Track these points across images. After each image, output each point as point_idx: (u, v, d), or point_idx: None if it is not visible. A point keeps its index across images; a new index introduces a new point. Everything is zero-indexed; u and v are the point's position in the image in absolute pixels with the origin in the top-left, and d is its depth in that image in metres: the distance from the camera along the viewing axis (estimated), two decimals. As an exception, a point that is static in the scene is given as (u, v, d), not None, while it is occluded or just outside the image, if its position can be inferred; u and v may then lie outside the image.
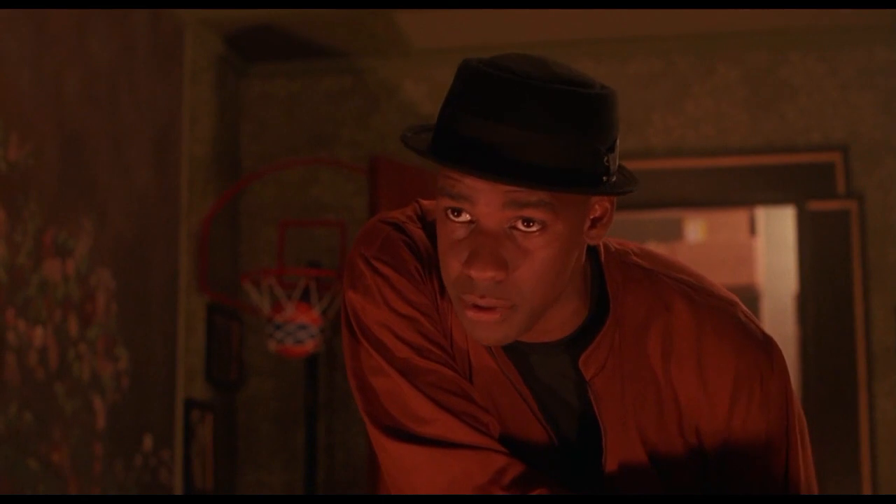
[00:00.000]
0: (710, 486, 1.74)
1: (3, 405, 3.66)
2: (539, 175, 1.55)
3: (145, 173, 4.59)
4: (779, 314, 6.99)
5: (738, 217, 7.30)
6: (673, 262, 1.79)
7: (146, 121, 4.61)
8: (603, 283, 1.73)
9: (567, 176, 1.57)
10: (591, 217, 1.66)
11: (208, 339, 5.07)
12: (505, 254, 1.59)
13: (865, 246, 5.09)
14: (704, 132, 5.28)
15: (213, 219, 5.10)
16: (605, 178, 1.60)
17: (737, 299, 1.77)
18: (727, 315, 1.72)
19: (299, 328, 4.78)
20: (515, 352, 1.73)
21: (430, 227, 1.76)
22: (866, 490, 4.94)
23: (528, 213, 1.58)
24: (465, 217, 1.60)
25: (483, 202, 1.58)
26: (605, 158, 1.60)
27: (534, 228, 1.59)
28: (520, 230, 1.59)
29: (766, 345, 1.73)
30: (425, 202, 1.81)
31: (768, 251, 7.19)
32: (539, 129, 1.55)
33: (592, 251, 1.74)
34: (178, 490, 4.75)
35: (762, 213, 7.18)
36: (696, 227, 7.41)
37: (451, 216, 1.61)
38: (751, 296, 7.01)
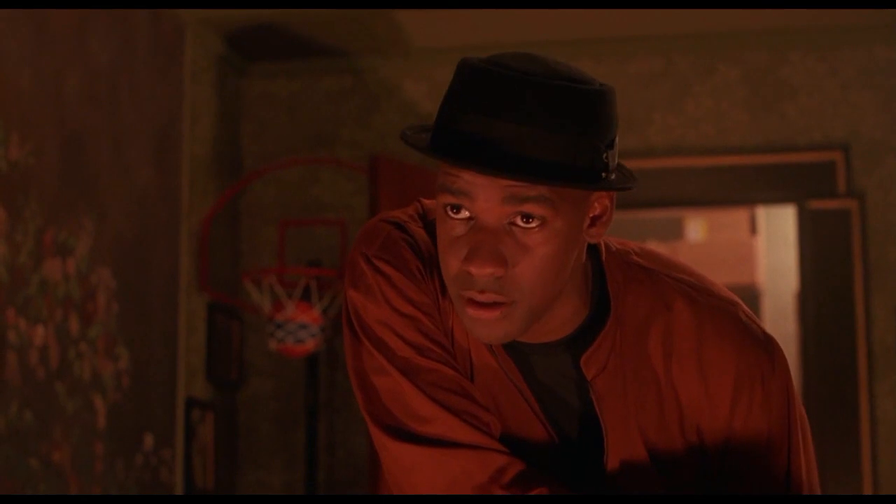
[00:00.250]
0: (712, 485, 1.74)
1: (4, 404, 3.66)
2: (538, 169, 1.55)
3: (146, 173, 4.59)
4: (779, 313, 6.98)
5: (738, 216, 7.30)
6: (674, 261, 1.79)
7: (147, 120, 4.61)
8: (604, 282, 1.73)
9: (566, 171, 1.57)
10: (591, 215, 1.66)
11: (209, 338, 5.08)
12: (504, 250, 1.59)
13: (866, 245, 5.09)
14: (705, 131, 5.28)
15: (213, 218, 5.11)
16: (604, 175, 1.60)
17: (738, 299, 1.77)
18: (728, 315, 1.72)
19: (300, 327, 4.78)
20: (516, 351, 1.73)
21: (431, 227, 1.75)
22: (867, 489, 4.94)
23: (527, 208, 1.58)
24: (465, 214, 1.61)
25: (482, 198, 1.58)
26: (605, 155, 1.60)
27: (533, 224, 1.59)
28: (519, 226, 1.59)
29: (768, 344, 1.73)
30: (427, 201, 1.81)
31: (769, 250, 7.19)
32: (538, 124, 1.55)
33: (593, 251, 1.74)
34: (179, 489, 4.75)
35: (763, 213, 7.18)
36: (696, 227, 7.41)
37: (451, 213, 1.61)
38: (751, 295, 7.00)
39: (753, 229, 7.30)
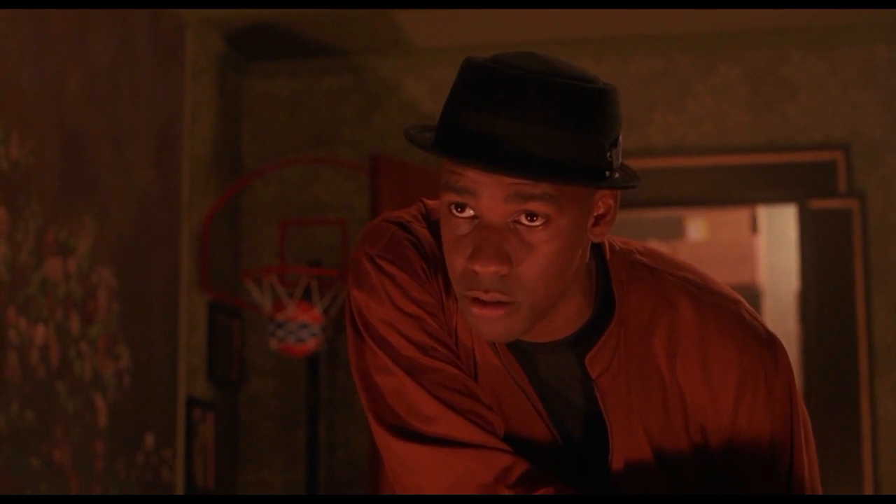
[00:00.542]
0: (715, 484, 1.74)
1: (5, 404, 3.66)
2: (542, 167, 1.55)
3: (146, 172, 4.59)
4: (780, 313, 6.98)
5: (739, 216, 7.30)
6: (677, 260, 1.79)
7: (147, 119, 4.61)
8: (608, 281, 1.73)
9: (570, 169, 1.57)
10: (595, 214, 1.66)
11: (210, 337, 5.07)
12: (508, 248, 1.59)
13: (867, 244, 5.09)
14: (705, 131, 5.27)
15: (214, 217, 5.10)
16: (607, 173, 1.61)
17: (740, 297, 1.77)
18: (731, 313, 1.72)
19: (301, 327, 4.78)
20: (520, 350, 1.73)
21: (434, 227, 1.75)
22: (868, 488, 4.94)
23: (531, 206, 1.58)
24: (469, 213, 1.61)
25: (486, 195, 1.58)
26: (608, 153, 1.60)
27: (537, 223, 1.59)
28: (523, 225, 1.59)
29: (770, 343, 1.73)
30: (430, 202, 1.81)
31: (770, 250, 7.19)
32: (542, 122, 1.55)
33: (597, 250, 1.74)
34: (180, 489, 4.75)
35: (763, 212, 7.18)
36: (697, 226, 7.41)
37: (455, 212, 1.62)
38: (752, 294, 7.00)
39: (754, 229, 7.29)
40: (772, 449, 1.72)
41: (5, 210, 3.71)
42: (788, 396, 1.74)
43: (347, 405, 5.26)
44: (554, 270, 1.61)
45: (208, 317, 5.08)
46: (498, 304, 1.61)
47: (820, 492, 1.80)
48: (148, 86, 4.62)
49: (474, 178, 1.58)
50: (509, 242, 1.59)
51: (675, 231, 7.47)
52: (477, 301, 1.62)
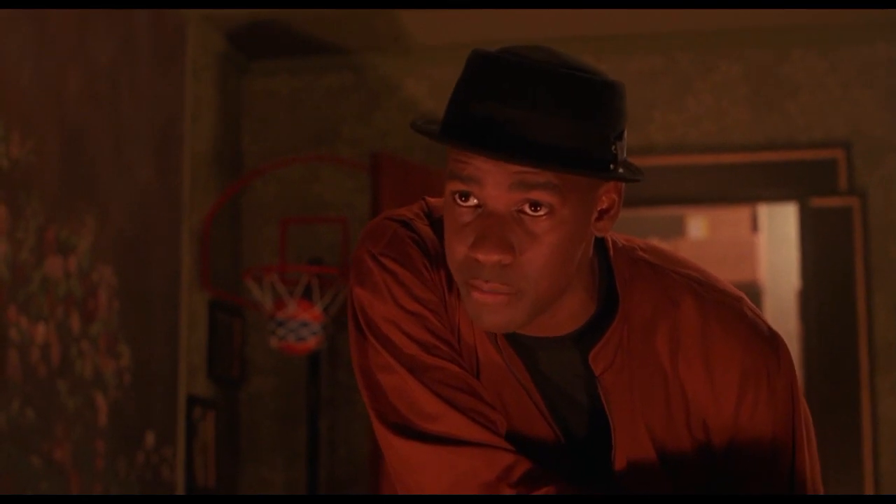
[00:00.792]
0: (717, 482, 1.74)
1: (5, 402, 3.66)
2: (546, 155, 1.56)
3: (147, 171, 4.59)
4: (781, 311, 6.99)
5: (740, 214, 7.30)
6: (679, 258, 1.79)
7: (148, 118, 4.60)
8: (611, 278, 1.73)
9: (575, 158, 1.57)
10: (599, 209, 1.66)
11: (210, 335, 5.07)
12: (512, 237, 1.59)
13: (868, 243, 5.09)
14: (706, 129, 5.27)
15: (214, 216, 5.10)
16: (612, 166, 1.61)
17: (743, 295, 1.77)
18: (734, 311, 1.72)
19: (301, 325, 4.78)
20: (522, 346, 1.73)
21: (437, 225, 1.75)
22: (868, 487, 4.94)
23: (535, 195, 1.58)
24: (473, 201, 1.61)
25: (491, 183, 1.58)
26: (613, 146, 1.60)
27: (541, 212, 1.59)
28: (527, 214, 1.59)
29: (773, 340, 1.73)
30: (432, 200, 1.81)
31: (770, 248, 7.19)
32: (548, 111, 1.56)
33: (600, 247, 1.74)
34: (180, 487, 4.75)
35: (764, 210, 7.18)
36: (698, 224, 7.41)
37: (459, 201, 1.62)
38: (753, 293, 7.00)
39: (755, 227, 7.30)
40: (774, 447, 1.72)
41: (6, 208, 3.70)
42: (791, 394, 1.74)
43: (348, 404, 5.26)
44: (557, 261, 1.61)
45: (209, 315, 5.08)
46: (498, 292, 1.61)
47: (821, 490, 1.80)
48: (148, 84, 4.62)
49: (479, 165, 1.59)
50: (513, 231, 1.60)
51: (676, 229, 7.47)
52: (478, 288, 1.61)
